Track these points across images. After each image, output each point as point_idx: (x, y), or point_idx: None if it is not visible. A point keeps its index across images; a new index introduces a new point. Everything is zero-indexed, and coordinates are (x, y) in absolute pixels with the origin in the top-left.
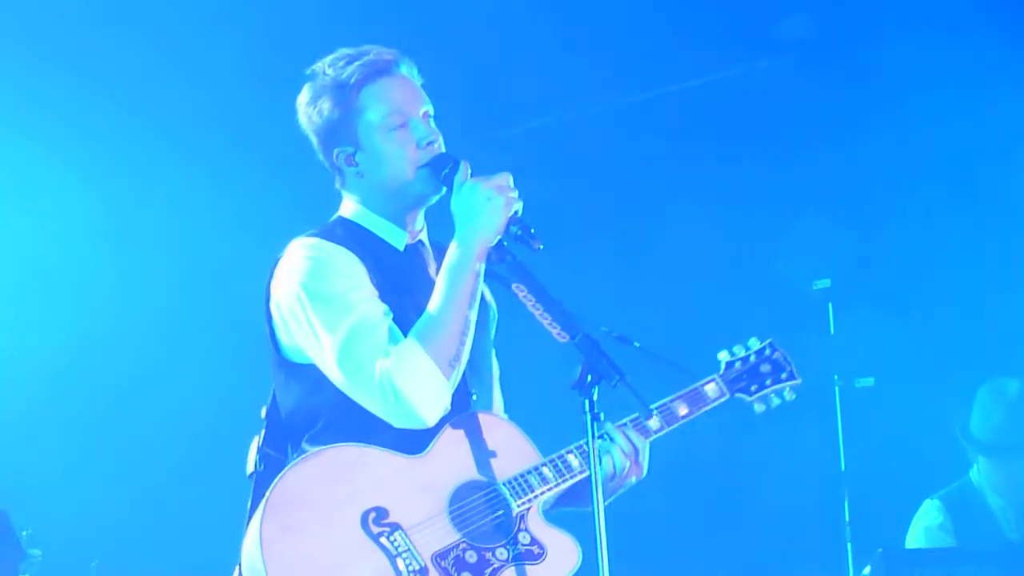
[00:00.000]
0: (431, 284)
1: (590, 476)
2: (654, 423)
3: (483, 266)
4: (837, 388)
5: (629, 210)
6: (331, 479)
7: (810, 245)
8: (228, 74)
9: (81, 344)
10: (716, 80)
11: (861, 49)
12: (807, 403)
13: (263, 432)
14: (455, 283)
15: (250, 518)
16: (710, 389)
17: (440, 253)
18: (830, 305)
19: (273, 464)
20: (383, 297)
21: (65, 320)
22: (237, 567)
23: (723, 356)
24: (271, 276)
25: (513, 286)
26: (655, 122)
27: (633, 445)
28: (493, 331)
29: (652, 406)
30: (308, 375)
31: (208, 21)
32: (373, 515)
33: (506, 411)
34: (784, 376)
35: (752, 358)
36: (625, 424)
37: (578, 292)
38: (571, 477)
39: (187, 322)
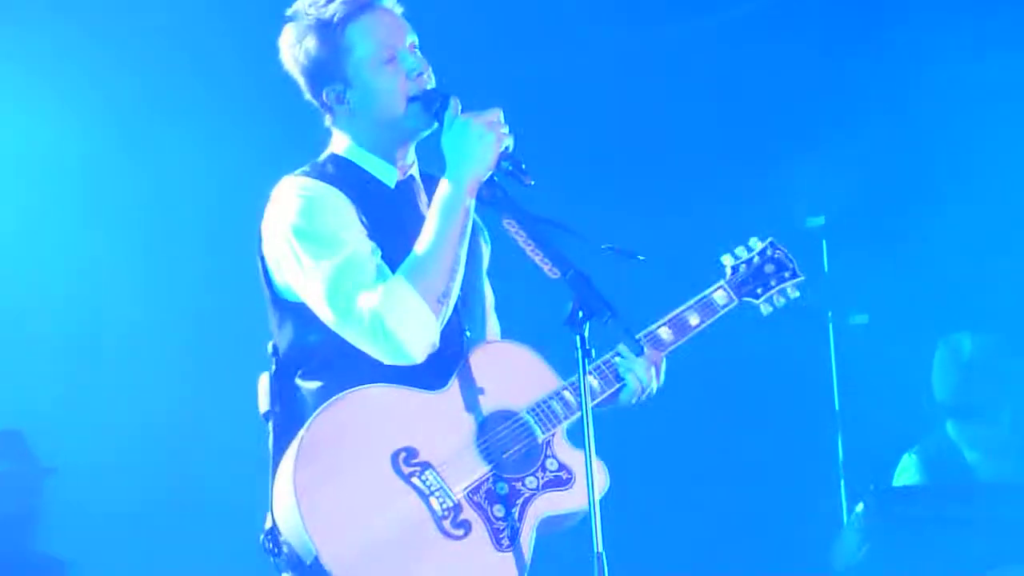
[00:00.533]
0: (422, 220)
1: (609, 394)
2: (666, 334)
3: (473, 202)
4: (831, 325)
5: (625, 142)
6: (359, 422)
7: (804, 181)
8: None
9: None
10: (714, 17)
11: None
12: (801, 341)
13: (272, 368)
14: (445, 220)
15: (275, 462)
16: (719, 296)
17: (431, 186)
18: (824, 242)
19: (288, 403)
20: (373, 235)
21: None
22: (269, 514)
23: (727, 260)
24: (263, 216)
25: (504, 221)
26: (653, 56)
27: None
28: (487, 262)
29: (665, 317)
30: (300, 313)
31: None
32: (403, 455)
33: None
34: (787, 275)
35: (756, 259)
36: (640, 339)
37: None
38: (592, 400)
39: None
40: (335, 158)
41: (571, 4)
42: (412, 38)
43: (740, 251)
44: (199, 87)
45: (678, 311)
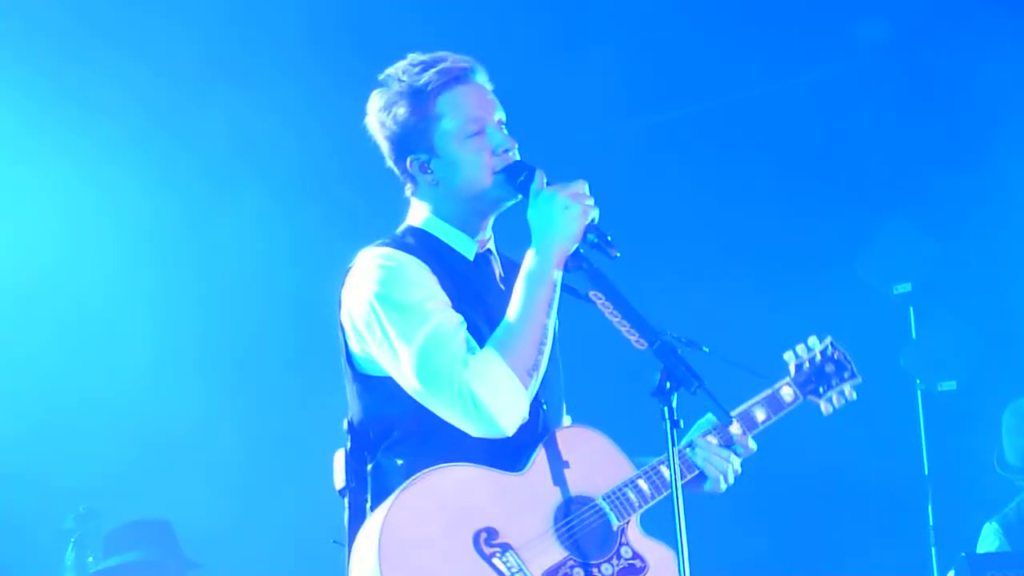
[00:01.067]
0: (500, 293)
1: (678, 484)
2: (736, 430)
3: (560, 274)
4: (919, 392)
5: (710, 214)
6: (442, 502)
7: (892, 249)
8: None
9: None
10: (801, 82)
11: (947, 50)
12: (890, 407)
13: (348, 444)
14: (533, 291)
15: (351, 538)
16: (786, 393)
17: (507, 264)
18: (911, 309)
19: (362, 478)
20: (455, 306)
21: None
22: None
23: (789, 358)
24: (342, 286)
25: (591, 293)
26: (736, 125)
27: (720, 456)
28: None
29: (732, 412)
30: (383, 386)
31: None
32: (484, 535)
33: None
34: (847, 375)
35: (818, 358)
36: (708, 434)
37: (658, 296)
38: (667, 489)
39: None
40: (414, 230)
41: (653, 76)
42: (500, 115)
43: (801, 350)
44: (276, 151)
45: (746, 406)
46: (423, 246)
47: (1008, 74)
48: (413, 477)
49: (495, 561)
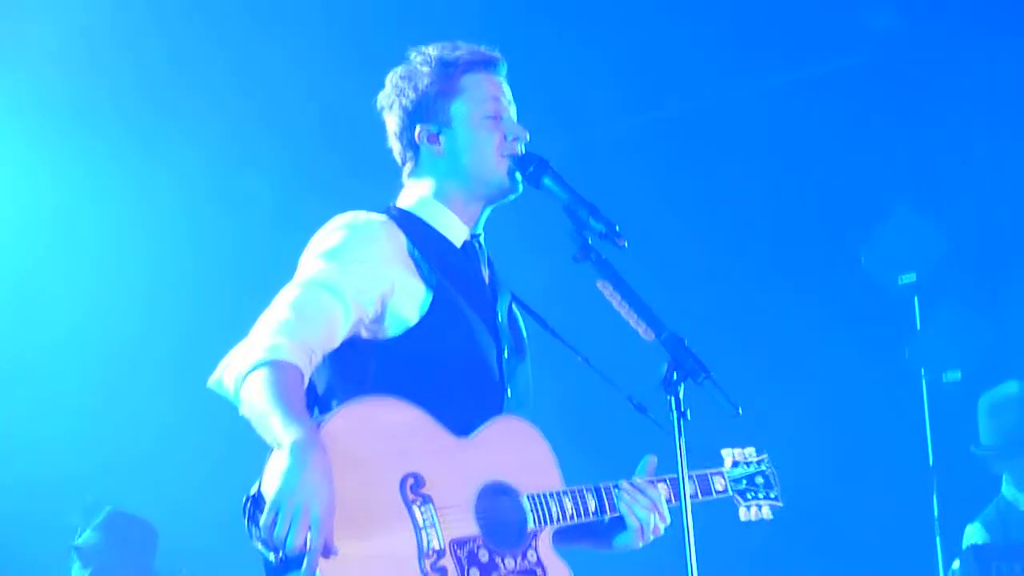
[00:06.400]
0: (481, 285)
1: (610, 518)
2: (664, 492)
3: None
4: (924, 382)
5: (714, 205)
6: (378, 431)
7: (897, 240)
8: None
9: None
10: (806, 74)
11: (951, 41)
12: (895, 398)
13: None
14: (264, 421)
15: None
16: (718, 482)
17: (491, 261)
18: (916, 299)
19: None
20: (440, 283)
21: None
22: (258, 482)
23: (727, 454)
24: None
25: (598, 283)
26: (740, 117)
27: (648, 497)
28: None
29: (667, 475)
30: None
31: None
32: (412, 481)
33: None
34: (773, 495)
35: (753, 466)
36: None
37: (662, 290)
38: (584, 518)
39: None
40: (401, 210)
41: (663, 65)
42: (514, 111)
43: (738, 452)
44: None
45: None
46: (408, 224)
47: (1015, 62)
48: (362, 396)
49: (414, 508)
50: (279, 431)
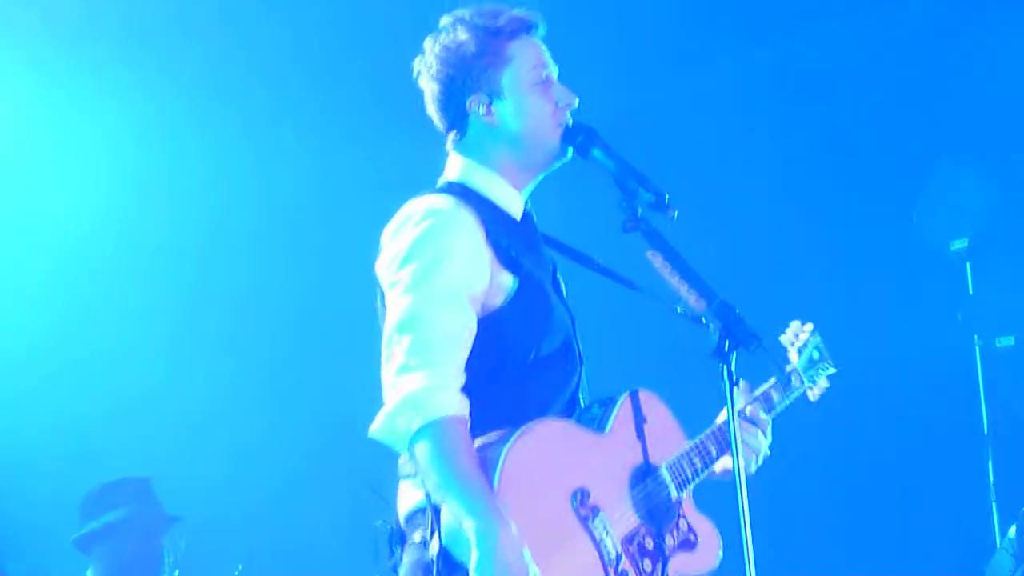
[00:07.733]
0: (543, 258)
1: (729, 458)
2: (761, 413)
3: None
4: (977, 348)
5: (761, 170)
6: (545, 459)
7: (948, 204)
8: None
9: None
10: (852, 29)
11: None
12: (948, 364)
13: None
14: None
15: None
16: (794, 380)
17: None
18: (968, 264)
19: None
20: (520, 266)
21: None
22: (436, 536)
23: (789, 343)
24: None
25: (648, 253)
26: (788, 77)
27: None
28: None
29: (754, 392)
30: None
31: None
32: (580, 496)
33: None
34: (829, 364)
35: (809, 345)
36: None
37: (710, 258)
38: (710, 466)
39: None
40: (455, 185)
41: (715, 27)
42: (556, 71)
43: (797, 338)
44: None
45: (763, 389)
46: (475, 203)
47: None
48: (516, 433)
49: (590, 525)
50: (460, 514)
